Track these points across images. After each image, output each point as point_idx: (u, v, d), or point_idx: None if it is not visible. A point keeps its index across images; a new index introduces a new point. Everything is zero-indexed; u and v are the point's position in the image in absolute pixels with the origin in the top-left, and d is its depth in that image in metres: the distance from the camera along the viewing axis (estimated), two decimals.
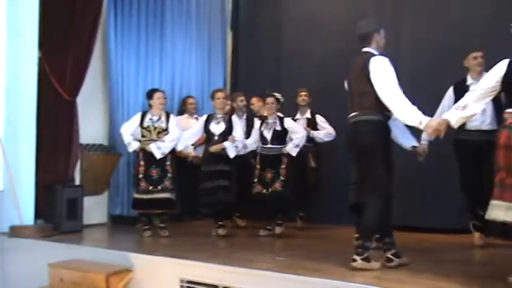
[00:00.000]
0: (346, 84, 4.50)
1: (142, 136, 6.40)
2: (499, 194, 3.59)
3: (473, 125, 5.29)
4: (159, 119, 6.43)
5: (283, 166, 6.34)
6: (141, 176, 6.33)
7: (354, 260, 4.14)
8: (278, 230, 6.31)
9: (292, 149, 6.32)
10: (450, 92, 5.55)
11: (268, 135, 6.44)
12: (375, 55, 4.27)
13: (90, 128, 7.16)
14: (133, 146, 6.40)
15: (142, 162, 6.35)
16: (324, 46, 7.70)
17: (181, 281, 4.55)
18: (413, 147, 5.24)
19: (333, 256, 4.74)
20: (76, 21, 6.78)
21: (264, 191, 6.35)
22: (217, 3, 9.04)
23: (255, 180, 6.43)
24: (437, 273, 4.01)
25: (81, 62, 6.84)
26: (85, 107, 7.01)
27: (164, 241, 6.06)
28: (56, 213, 6.39)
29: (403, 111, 4.04)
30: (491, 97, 3.85)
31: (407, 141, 5.19)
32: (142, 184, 6.30)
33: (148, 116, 6.44)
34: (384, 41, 4.42)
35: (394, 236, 4.39)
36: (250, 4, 9.03)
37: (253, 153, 6.75)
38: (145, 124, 6.40)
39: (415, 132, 4.91)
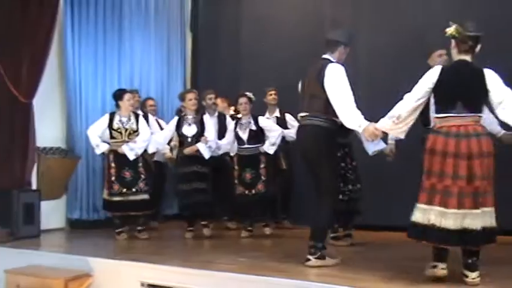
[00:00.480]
0: (300, 85, 4.65)
1: (112, 138, 6.32)
2: (426, 198, 3.66)
3: None
4: (129, 120, 6.37)
5: (263, 165, 6.36)
6: (113, 178, 6.26)
7: (308, 260, 4.34)
8: (268, 231, 6.40)
9: (269, 147, 6.33)
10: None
11: (244, 135, 6.43)
12: (332, 62, 4.44)
13: (47, 131, 7.00)
14: (102, 148, 6.32)
15: (113, 165, 6.28)
16: (283, 47, 7.72)
17: (142, 284, 4.52)
18: (379, 151, 5.34)
19: (295, 256, 4.75)
20: (31, 22, 6.61)
21: (247, 192, 6.35)
22: (176, 4, 8.96)
23: (235, 181, 6.43)
24: (394, 271, 4.06)
25: (37, 64, 6.68)
26: (42, 109, 6.85)
27: (124, 245, 5.99)
28: (13, 219, 6.24)
29: (346, 114, 4.25)
30: (423, 106, 3.92)
31: (372, 146, 5.27)
32: (115, 186, 6.24)
33: (117, 118, 6.36)
34: (345, 56, 4.58)
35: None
36: (209, 5, 9.00)
37: (227, 153, 6.78)
38: (115, 126, 6.32)
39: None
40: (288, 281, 3.82)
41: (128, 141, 6.27)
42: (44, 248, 5.83)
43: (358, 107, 4.28)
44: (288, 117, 7.03)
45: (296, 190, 7.09)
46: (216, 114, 7.15)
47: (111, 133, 6.33)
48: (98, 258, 4.98)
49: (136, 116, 6.46)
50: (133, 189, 6.25)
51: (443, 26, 3.81)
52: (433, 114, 4.00)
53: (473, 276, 3.65)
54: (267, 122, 6.58)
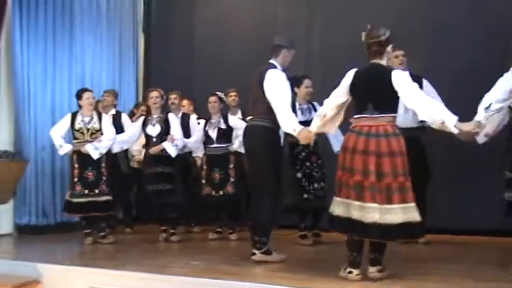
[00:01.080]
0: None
1: (75, 138, 6.22)
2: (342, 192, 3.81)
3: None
4: (92, 119, 6.27)
5: (232, 166, 6.33)
6: (76, 179, 6.15)
7: (253, 254, 4.61)
8: (233, 236, 6.39)
9: (240, 146, 6.23)
10: None
11: (213, 134, 6.39)
12: (273, 68, 4.64)
13: None
14: (66, 148, 6.23)
15: (76, 165, 6.18)
16: (235, 49, 7.74)
17: None
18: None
19: (249, 259, 4.75)
20: None
21: (214, 193, 6.31)
22: (129, 4, 8.86)
23: (203, 181, 6.38)
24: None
25: None
26: None
27: (74, 249, 5.88)
28: None
29: (283, 118, 4.45)
30: (344, 107, 4.10)
31: (338, 144, 5.28)
32: (78, 188, 6.13)
33: (79, 117, 6.26)
34: (290, 59, 4.78)
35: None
36: (162, 6, 8.93)
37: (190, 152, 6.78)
38: (77, 126, 6.22)
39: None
40: (240, 284, 3.81)
41: (91, 141, 6.17)
42: None
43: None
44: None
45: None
46: (180, 114, 7.11)
47: (73, 133, 6.23)
48: (47, 264, 4.84)
49: (99, 115, 6.36)
50: (96, 191, 6.15)
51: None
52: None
53: (371, 270, 3.80)
54: (236, 120, 6.54)
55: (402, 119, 4.63)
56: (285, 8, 7.50)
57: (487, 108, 3.99)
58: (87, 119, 6.25)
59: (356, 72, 3.94)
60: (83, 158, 6.16)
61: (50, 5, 7.44)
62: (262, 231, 4.61)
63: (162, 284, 4.11)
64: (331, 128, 4.31)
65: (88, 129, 6.23)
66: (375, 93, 3.83)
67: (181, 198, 6.31)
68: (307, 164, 5.70)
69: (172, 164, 6.29)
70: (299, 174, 5.72)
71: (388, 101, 3.84)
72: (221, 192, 6.30)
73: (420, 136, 5.50)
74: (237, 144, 6.31)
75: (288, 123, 4.44)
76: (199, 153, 6.65)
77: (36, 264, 4.80)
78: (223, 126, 6.39)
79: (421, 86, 5.47)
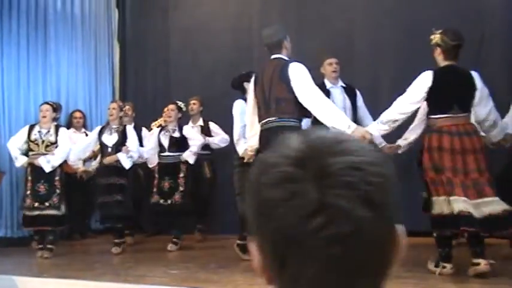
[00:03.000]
0: (253, 92, 4.49)
1: (30, 150, 6.12)
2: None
3: None
4: (48, 132, 6.18)
5: (182, 175, 6.29)
6: (28, 192, 6.05)
7: None
8: (173, 247, 6.19)
9: (189, 156, 6.27)
10: None
11: (165, 142, 6.37)
12: (289, 61, 4.32)
13: None
14: (21, 160, 6.12)
15: (29, 178, 6.07)
16: (212, 56, 7.75)
17: None
18: None
19: (227, 266, 4.75)
20: None
21: (162, 201, 6.25)
22: (103, 14, 8.82)
23: (154, 189, 6.34)
24: None
25: None
26: None
27: (52, 261, 5.79)
28: None
29: (331, 116, 4.08)
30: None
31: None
32: (28, 200, 6.02)
33: (36, 129, 6.18)
34: (291, 45, 4.53)
35: None
36: (136, 16, 8.89)
37: (143, 164, 6.74)
38: (33, 137, 6.13)
39: None
40: None
41: (45, 154, 6.07)
42: None
43: None
44: (212, 125, 7.07)
45: (219, 199, 7.03)
46: (132, 125, 7.08)
47: (29, 145, 6.13)
48: (25, 277, 4.80)
49: (57, 128, 6.27)
50: (46, 204, 6.00)
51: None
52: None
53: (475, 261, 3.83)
54: (190, 130, 6.55)
55: None
56: (259, 15, 7.53)
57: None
58: (44, 131, 6.16)
59: (435, 73, 4.02)
60: (37, 171, 6.03)
61: (23, 16, 7.37)
62: None
63: None
64: (385, 132, 4.23)
65: (43, 141, 6.13)
66: (460, 93, 4.01)
67: (129, 210, 6.25)
68: None
69: (125, 176, 6.25)
70: None
71: (470, 101, 4.03)
72: (169, 201, 6.25)
73: None
74: (187, 153, 6.30)
75: (339, 119, 4.07)
76: (154, 162, 6.58)
77: (13, 278, 4.74)
78: (176, 135, 6.38)
79: None
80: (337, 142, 0.72)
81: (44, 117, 6.21)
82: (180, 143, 6.37)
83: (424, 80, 4.03)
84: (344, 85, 5.53)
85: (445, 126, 3.95)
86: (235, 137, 5.36)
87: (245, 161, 4.76)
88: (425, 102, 4.15)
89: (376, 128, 4.17)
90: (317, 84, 5.53)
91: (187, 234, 6.61)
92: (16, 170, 6.82)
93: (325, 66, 5.49)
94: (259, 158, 0.76)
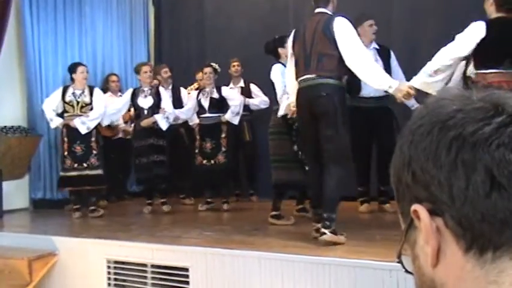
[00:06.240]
0: (292, 47, 4.24)
1: (65, 111, 6.19)
2: None
3: (366, 92, 5.29)
4: (82, 93, 6.23)
5: (223, 135, 6.27)
6: (65, 153, 6.13)
7: (322, 233, 3.83)
8: (226, 206, 6.26)
9: (231, 117, 6.24)
10: None
11: (205, 103, 6.35)
12: (335, 15, 4.05)
13: (7, 110, 6.85)
14: (56, 122, 6.19)
15: (66, 139, 6.15)
16: (245, 21, 7.66)
17: (108, 261, 4.47)
18: None
19: (262, 229, 4.76)
20: None
21: (205, 161, 6.27)
22: None
23: (196, 151, 6.36)
24: (361, 239, 4.09)
25: None
26: (1, 88, 6.69)
27: (89, 222, 5.91)
28: None
29: (373, 75, 3.92)
30: (460, 62, 3.89)
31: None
32: (68, 162, 6.11)
33: (70, 91, 6.22)
34: (337, 1, 4.23)
35: None
36: None
37: (184, 124, 6.79)
38: (68, 98, 6.19)
39: None
40: (256, 253, 3.80)
41: (80, 115, 6.13)
42: (7, 229, 5.70)
43: None
44: (253, 87, 7.02)
45: (261, 163, 6.96)
46: (170, 87, 7.08)
47: (64, 106, 6.19)
48: (63, 236, 4.90)
49: (91, 90, 6.32)
50: (85, 164, 6.10)
51: None
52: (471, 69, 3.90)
53: None
54: (229, 91, 6.52)
55: None
56: None
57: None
58: (78, 92, 6.20)
59: (488, 24, 3.72)
60: (72, 132, 6.11)
61: None
62: (331, 206, 3.89)
63: (178, 255, 4.13)
64: (438, 86, 3.77)
65: (78, 102, 6.18)
66: None
67: (170, 170, 6.32)
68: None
69: (163, 137, 6.29)
70: (295, 147, 5.05)
71: None
72: (212, 162, 6.26)
73: None
74: (229, 114, 6.27)
75: (380, 78, 3.89)
76: (195, 121, 6.59)
77: (52, 237, 4.85)
78: (215, 96, 6.34)
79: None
80: None
81: (85, 79, 6.28)
82: (220, 104, 6.35)
83: (476, 30, 3.74)
84: (377, 47, 5.43)
85: (495, 82, 3.68)
86: (279, 95, 5.12)
87: (289, 116, 4.61)
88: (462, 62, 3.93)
89: (419, 81, 3.87)
90: None
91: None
92: (55, 133, 6.92)
93: (365, 27, 5.38)
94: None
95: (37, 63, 7.15)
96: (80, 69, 6.26)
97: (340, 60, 3.94)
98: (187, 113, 6.56)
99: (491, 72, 3.76)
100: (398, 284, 3.10)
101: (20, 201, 6.97)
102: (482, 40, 3.73)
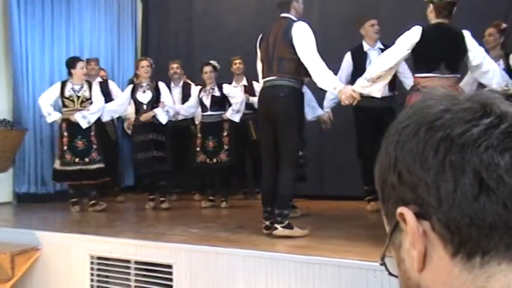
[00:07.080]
0: (259, 50, 4.43)
1: (64, 106, 6.18)
2: None
3: None
4: (82, 87, 6.22)
5: (225, 134, 6.27)
6: (65, 148, 6.13)
7: (274, 228, 4.13)
8: (224, 204, 6.28)
9: (232, 114, 6.22)
10: (348, 58, 5.63)
11: (207, 101, 6.33)
12: (295, 21, 4.24)
13: None
14: (54, 116, 6.18)
15: (66, 134, 6.15)
16: (234, 18, 7.64)
17: (91, 257, 4.44)
18: (317, 117, 5.44)
19: (247, 227, 4.75)
20: None
21: (208, 160, 6.26)
22: None
23: (197, 149, 6.34)
24: (347, 239, 4.09)
25: None
26: None
27: (74, 217, 5.88)
28: None
29: (321, 75, 4.06)
30: (399, 65, 4.02)
31: (311, 112, 5.29)
32: (68, 156, 6.12)
33: (69, 86, 6.21)
34: (302, 6, 4.42)
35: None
36: None
37: (191, 120, 6.77)
38: (67, 94, 6.17)
39: None
40: (241, 251, 3.80)
41: (80, 110, 6.13)
42: None
43: None
44: (256, 85, 6.97)
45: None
46: (181, 83, 7.05)
47: (63, 101, 6.18)
48: (46, 231, 4.86)
49: (90, 84, 6.31)
50: (86, 159, 6.13)
51: None
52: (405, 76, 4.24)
53: None
54: (230, 88, 6.49)
55: None
56: None
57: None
58: (77, 87, 6.20)
59: (423, 29, 3.82)
60: (72, 127, 6.12)
61: None
62: (283, 203, 4.17)
63: (162, 252, 4.11)
64: (378, 90, 3.97)
65: (78, 97, 6.18)
66: (448, 53, 3.81)
67: (170, 166, 6.31)
68: None
69: (163, 132, 6.27)
70: None
71: (458, 61, 3.85)
72: (215, 160, 6.26)
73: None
74: (230, 112, 6.26)
75: (327, 80, 4.05)
76: (198, 118, 6.58)
77: (35, 232, 4.81)
78: (217, 94, 6.33)
79: None
80: None
81: (84, 74, 6.27)
82: (222, 102, 6.34)
83: (412, 34, 3.85)
84: (382, 46, 5.43)
85: (429, 86, 3.70)
86: None
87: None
88: None
89: (360, 86, 4.00)
90: (354, 47, 5.55)
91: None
92: (40, 127, 6.85)
93: (367, 28, 5.43)
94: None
95: (24, 56, 7.09)
96: (79, 64, 6.25)
97: (300, 63, 4.13)
98: (189, 109, 6.53)
99: (427, 76, 3.82)
100: (383, 284, 3.11)
101: (3, 195, 6.92)
102: (417, 44, 3.83)
